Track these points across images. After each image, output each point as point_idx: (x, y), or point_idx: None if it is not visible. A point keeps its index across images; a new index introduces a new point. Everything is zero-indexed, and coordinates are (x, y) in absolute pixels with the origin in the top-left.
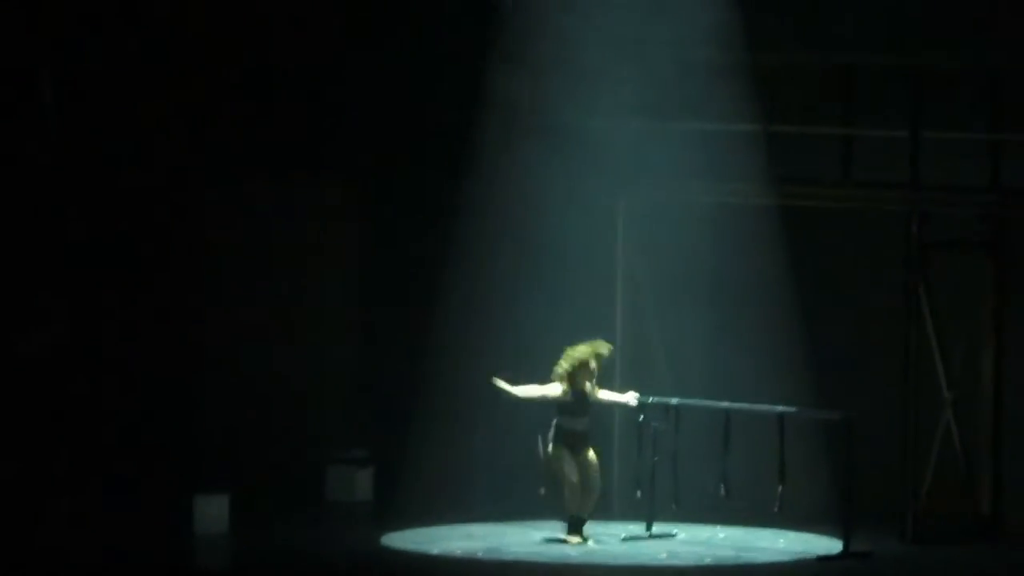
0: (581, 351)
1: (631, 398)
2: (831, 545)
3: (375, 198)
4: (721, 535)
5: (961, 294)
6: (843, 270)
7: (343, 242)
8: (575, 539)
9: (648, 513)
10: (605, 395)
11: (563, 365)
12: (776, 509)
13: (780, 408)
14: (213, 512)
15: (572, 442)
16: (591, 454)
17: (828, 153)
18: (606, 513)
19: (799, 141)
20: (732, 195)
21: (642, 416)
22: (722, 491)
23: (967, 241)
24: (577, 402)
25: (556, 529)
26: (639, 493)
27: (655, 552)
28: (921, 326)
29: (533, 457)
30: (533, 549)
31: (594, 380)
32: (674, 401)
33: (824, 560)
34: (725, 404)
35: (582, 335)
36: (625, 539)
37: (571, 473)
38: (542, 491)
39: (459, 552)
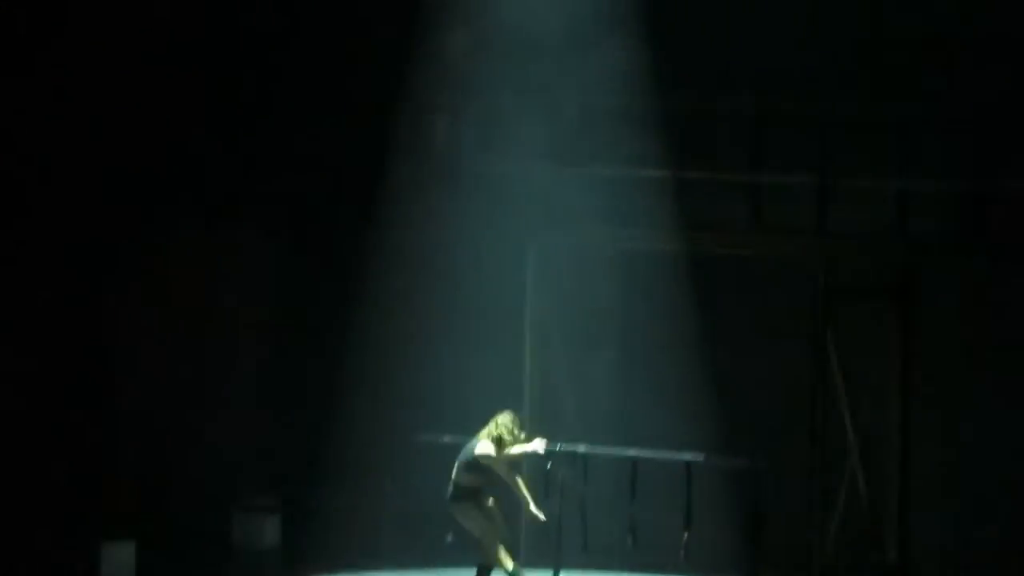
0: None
1: (539, 446)
2: None
3: (288, 247)
4: None
5: (869, 340)
6: (752, 316)
7: (255, 286)
8: None
9: (555, 561)
10: (515, 449)
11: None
12: (682, 557)
13: (688, 456)
14: (120, 559)
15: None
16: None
17: (736, 199)
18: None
19: (707, 186)
20: (640, 240)
21: (549, 464)
22: (629, 540)
23: (874, 288)
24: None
25: None
26: (552, 539)
27: None
28: (828, 373)
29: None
30: None
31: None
32: (582, 449)
33: None
34: (633, 452)
35: (492, 380)
36: None
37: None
38: (449, 538)
39: None
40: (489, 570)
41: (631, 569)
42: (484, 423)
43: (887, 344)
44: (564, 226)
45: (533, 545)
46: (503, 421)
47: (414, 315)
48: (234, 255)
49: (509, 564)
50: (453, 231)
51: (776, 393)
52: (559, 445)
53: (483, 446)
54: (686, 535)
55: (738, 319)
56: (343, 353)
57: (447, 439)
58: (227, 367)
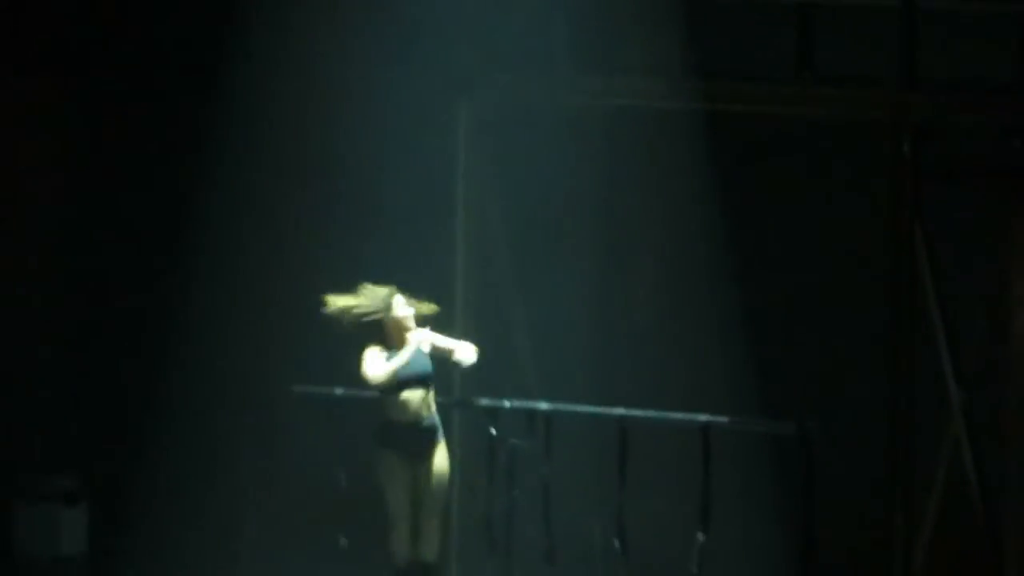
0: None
1: (468, 352)
2: None
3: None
4: None
5: (977, 243)
6: (796, 209)
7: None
8: None
9: (504, 573)
10: (440, 340)
11: (360, 305)
12: (695, 568)
13: (703, 417)
14: None
15: (404, 443)
16: (439, 460)
17: (777, 33)
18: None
19: (732, 14)
20: (629, 95)
21: (494, 429)
22: (615, 545)
23: (985, 166)
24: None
25: None
26: (490, 545)
27: None
28: (916, 291)
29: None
30: None
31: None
32: (543, 406)
33: None
34: (619, 411)
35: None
36: None
37: (397, 500)
38: (342, 541)
39: None
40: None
41: None
42: None
43: (1005, 247)
44: (512, 75)
45: (469, 546)
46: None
47: (291, 208)
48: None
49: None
50: (347, 83)
51: (834, 324)
52: (508, 401)
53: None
54: (701, 537)
55: (778, 213)
56: (185, 267)
57: (340, 392)
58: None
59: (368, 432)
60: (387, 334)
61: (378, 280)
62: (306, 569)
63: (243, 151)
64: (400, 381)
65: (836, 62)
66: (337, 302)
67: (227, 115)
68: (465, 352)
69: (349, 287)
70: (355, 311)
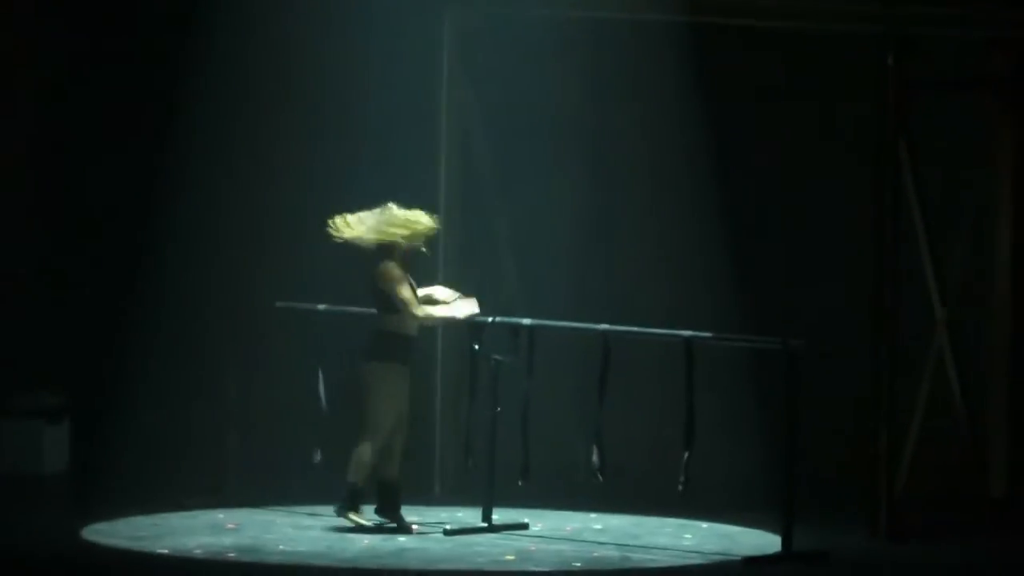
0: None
1: (465, 306)
2: (763, 542)
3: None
4: (597, 526)
5: (962, 158)
6: (784, 123)
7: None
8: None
9: (485, 493)
10: (437, 310)
11: (397, 228)
12: (681, 486)
13: (687, 333)
14: None
15: (411, 357)
16: None
17: None
18: (421, 493)
19: None
20: (613, 6)
21: (477, 344)
22: (595, 459)
23: (969, 78)
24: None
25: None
26: (471, 462)
27: (496, 552)
28: (900, 207)
29: (310, 407)
30: (311, 547)
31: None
32: (526, 322)
33: (753, 564)
34: (603, 327)
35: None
36: (449, 531)
37: (393, 415)
38: (316, 456)
39: (200, 552)
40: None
41: (601, 508)
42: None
43: (989, 161)
44: None
45: (451, 468)
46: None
47: (277, 125)
48: None
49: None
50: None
51: (821, 240)
52: (492, 317)
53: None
54: (687, 455)
55: (766, 127)
56: (169, 184)
57: (322, 307)
58: None
59: (350, 347)
60: (403, 255)
61: (373, 200)
62: (285, 481)
63: (229, 68)
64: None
65: None
66: (399, 216)
67: (212, 33)
68: (461, 308)
69: (346, 205)
70: (415, 230)
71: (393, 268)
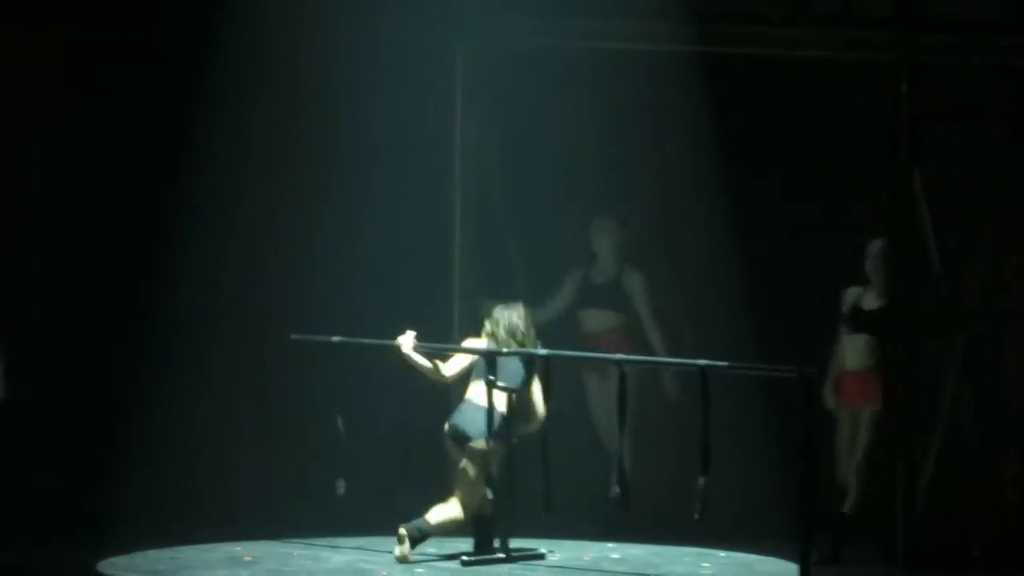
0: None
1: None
2: (782, 570)
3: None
4: (615, 556)
5: (977, 187)
6: (797, 152)
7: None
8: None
9: (504, 522)
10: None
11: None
12: (697, 515)
13: (702, 362)
14: None
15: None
16: None
17: None
18: None
19: None
20: (626, 38)
21: (492, 375)
22: (614, 489)
23: (985, 107)
24: None
25: (366, 548)
26: (488, 492)
27: None
28: (914, 233)
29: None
30: None
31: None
32: (542, 352)
33: None
34: (618, 356)
35: (409, 260)
36: (467, 561)
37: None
38: (340, 487)
39: None
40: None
41: (619, 536)
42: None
43: (1005, 190)
44: (511, 17)
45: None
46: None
47: (292, 154)
48: None
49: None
50: (346, 28)
51: (836, 268)
52: (507, 348)
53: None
54: (702, 482)
55: (777, 155)
56: (184, 212)
57: (336, 339)
58: None
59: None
60: None
61: (385, 232)
62: (306, 514)
63: (242, 97)
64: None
65: (832, 3)
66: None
67: (224, 61)
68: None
69: (359, 237)
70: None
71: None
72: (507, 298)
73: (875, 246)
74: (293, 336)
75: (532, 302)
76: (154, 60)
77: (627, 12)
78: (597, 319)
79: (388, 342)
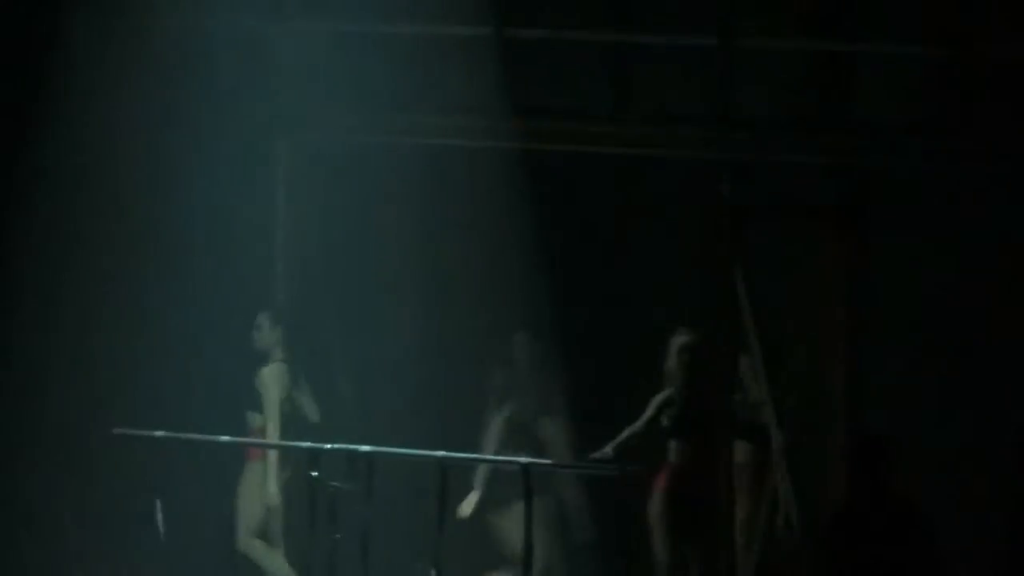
0: None
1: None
2: None
3: None
4: None
5: (796, 283)
6: (618, 246)
7: None
8: None
9: None
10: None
11: None
12: None
13: (523, 460)
14: None
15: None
16: None
17: (596, 70)
18: None
19: (553, 52)
20: (448, 134)
21: (315, 472)
22: None
23: (806, 204)
24: None
25: None
26: None
27: None
28: (736, 334)
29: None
30: None
31: None
32: (364, 449)
33: None
34: (440, 453)
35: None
36: None
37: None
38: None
39: None
40: None
41: None
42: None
43: (826, 286)
44: (332, 114)
45: None
46: None
47: (113, 248)
48: None
49: None
50: (170, 124)
51: (655, 365)
52: (328, 444)
53: None
54: None
55: (601, 252)
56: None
57: (160, 434)
58: None
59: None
60: None
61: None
62: None
63: (61, 184)
64: None
65: (654, 100)
66: None
67: (47, 144)
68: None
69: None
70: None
71: None
72: (327, 391)
73: (677, 342)
74: (116, 430)
75: (355, 396)
76: None
77: (449, 107)
78: None
79: (212, 437)
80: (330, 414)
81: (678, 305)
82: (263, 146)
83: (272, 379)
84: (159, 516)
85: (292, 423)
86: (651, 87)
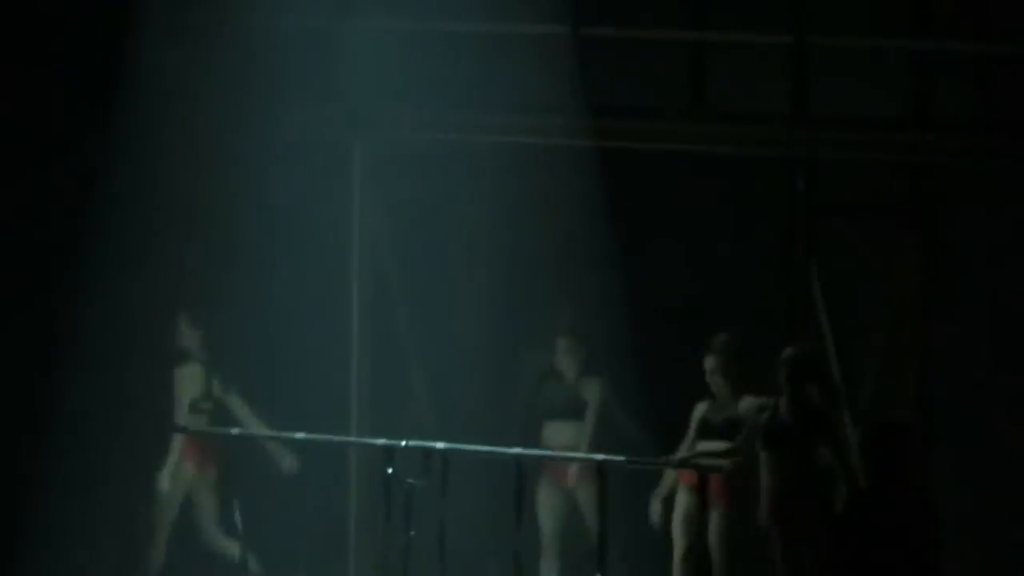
0: None
1: None
2: None
3: None
4: None
5: (872, 285)
6: (695, 246)
7: None
8: None
9: None
10: None
11: None
12: None
13: (600, 456)
14: None
15: None
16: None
17: (671, 68)
18: None
19: (628, 50)
20: (524, 132)
21: (391, 468)
22: None
23: (881, 202)
24: None
25: None
26: None
27: None
28: (811, 333)
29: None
30: None
31: None
32: (439, 446)
33: None
34: (516, 450)
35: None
36: None
37: None
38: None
39: None
40: None
41: None
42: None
43: (900, 288)
44: (408, 113)
45: None
46: None
47: (188, 252)
48: None
49: None
50: (242, 122)
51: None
52: (405, 441)
53: None
54: None
55: (672, 249)
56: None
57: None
58: None
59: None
60: None
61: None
62: None
63: (134, 189)
64: None
65: (730, 98)
66: None
67: (120, 156)
68: None
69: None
70: None
71: None
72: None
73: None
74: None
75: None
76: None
77: (524, 105)
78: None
79: (286, 435)
80: (405, 411)
81: (753, 304)
82: (338, 145)
83: (184, 380)
84: (237, 516)
85: (218, 425)
86: (726, 85)
